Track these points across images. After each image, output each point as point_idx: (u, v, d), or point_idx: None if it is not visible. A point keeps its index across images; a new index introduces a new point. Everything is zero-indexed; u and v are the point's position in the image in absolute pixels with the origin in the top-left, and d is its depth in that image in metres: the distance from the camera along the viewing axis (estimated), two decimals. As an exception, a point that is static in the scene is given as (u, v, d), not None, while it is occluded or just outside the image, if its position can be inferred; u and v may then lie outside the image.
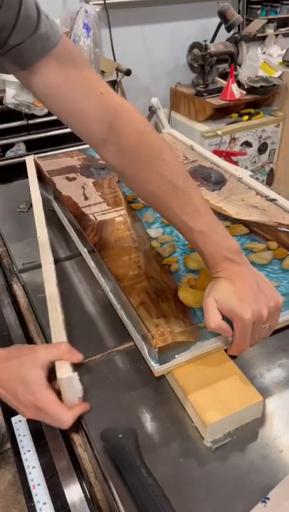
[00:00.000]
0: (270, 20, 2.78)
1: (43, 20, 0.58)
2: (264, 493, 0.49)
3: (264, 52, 2.84)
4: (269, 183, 2.80)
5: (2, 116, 1.90)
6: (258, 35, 2.67)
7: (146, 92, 2.66)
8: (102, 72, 2.14)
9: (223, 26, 2.43)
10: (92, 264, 0.85)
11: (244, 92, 2.46)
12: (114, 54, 2.25)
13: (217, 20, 2.43)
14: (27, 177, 1.07)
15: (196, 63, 2.48)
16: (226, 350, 0.64)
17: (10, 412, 0.62)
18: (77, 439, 0.59)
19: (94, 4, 2.11)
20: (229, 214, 0.87)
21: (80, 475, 0.54)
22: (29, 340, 0.75)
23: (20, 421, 0.61)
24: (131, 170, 0.65)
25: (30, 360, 0.58)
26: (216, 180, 1.01)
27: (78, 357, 0.61)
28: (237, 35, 2.52)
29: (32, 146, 2.02)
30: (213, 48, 2.41)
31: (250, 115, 2.52)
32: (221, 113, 2.46)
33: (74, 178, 1.03)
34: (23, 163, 1.11)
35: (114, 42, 2.23)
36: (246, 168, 2.56)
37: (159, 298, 0.67)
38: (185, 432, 0.57)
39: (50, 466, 0.55)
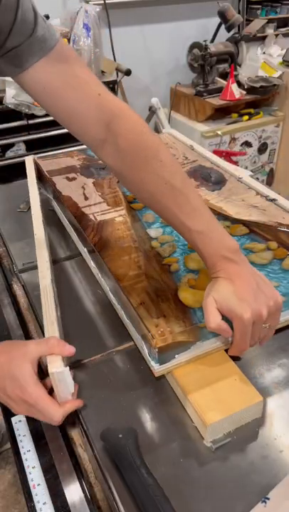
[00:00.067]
0: (270, 20, 2.78)
1: (40, 23, 0.58)
2: (264, 493, 0.49)
3: (264, 52, 2.84)
4: (269, 183, 2.80)
5: (2, 116, 1.90)
6: (258, 35, 2.67)
7: (146, 92, 2.66)
8: (102, 72, 2.14)
9: (223, 26, 2.43)
10: (92, 264, 0.85)
11: (244, 92, 2.46)
12: (114, 54, 2.25)
13: (217, 20, 2.43)
14: (27, 177, 1.07)
15: (196, 63, 2.48)
16: (226, 351, 0.64)
17: (10, 412, 0.62)
18: (77, 439, 0.59)
19: (94, 4, 2.11)
20: (229, 214, 0.87)
21: (80, 475, 0.54)
22: (29, 340, 0.74)
23: (20, 421, 0.61)
24: (128, 171, 0.65)
25: (20, 355, 0.57)
26: (216, 180, 1.01)
27: (69, 350, 0.59)
28: (237, 35, 2.52)
29: (32, 146, 2.02)
30: (213, 48, 2.41)
31: (250, 115, 2.52)
32: (221, 113, 2.46)
33: (74, 178, 1.03)
34: (23, 163, 1.12)
35: (114, 42, 2.23)
36: (246, 168, 2.56)
37: (159, 298, 0.67)
38: (185, 432, 0.57)
39: (50, 466, 0.55)
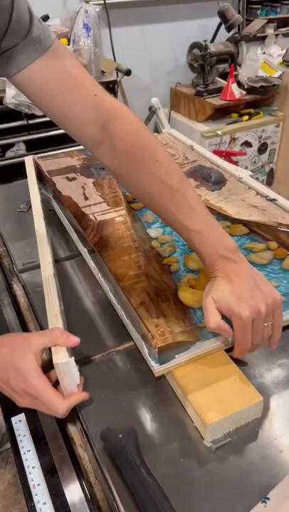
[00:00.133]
0: (270, 20, 2.78)
1: (35, 24, 0.59)
2: (264, 493, 0.49)
3: (264, 52, 2.84)
4: (269, 183, 2.80)
5: (2, 116, 1.90)
6: (258, 35, 2.67)
7: (146, 92, 2.66)
8: (102, 72, 2.14)
9: (223, 26, 2.43)
10: (92, 264, 0.85)
11: (244, 92, 2.46)
12: (114, 54, 2.25)
13: (217, 20, 2.43)
14: (27, 177, 1.07)
15: (196, 63, 2.48)
16: (227, 351, 0.64)
17: (10, 412, 0.62)
18: (77, 439, 0.59)
19: (94, 4, 2.11)
20: (229, 214, 0.87)
21: (80, 475, 0.54)
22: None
23: (20, 421, 0.61)
24: (125, 171, 0.65)
25: (23, 347, 0.57)
26: (216, 180, 1.01)
27: (74, 340, 0.59)
28: (237, 35, 2.52)
29: (32, 146, 2.02)
30: (213, 48, 2.41)
31: (250, 115, 2.52)
32: (221, 113, 2.46)
33: (74, 178, 1.03)
34: (23, 163, 1.12)
35: (114, 42, 2.23)
36: (246, 168, 2.56)
37: (159, 298, 0.67)
38: (185, 432, 0.57)
39: (50, 466, 0.55)
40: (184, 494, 0.50)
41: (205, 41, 2.40)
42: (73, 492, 0.53)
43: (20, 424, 0.61)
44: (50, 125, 1.96)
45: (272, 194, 0.94)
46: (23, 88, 0.62)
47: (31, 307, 0.81)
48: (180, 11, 2.60)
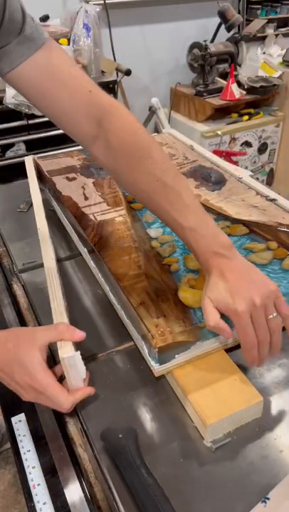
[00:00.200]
0: (270, 20, 2.78)
1: (28, 23, 0.59)
2: (264, 493, 0.49)
3: (264, 52, 2.84)
4: (269, 183, 2.80)
5: (2, 116, 1.90)
6: (258, 35, 2.66)
7: (146, 92, 2.66)
8: (102, 72, 2.14)
9: (223, 26, 2.43)
10: (92, 264, 0.85)
11: (244, 92, 2.46)
12: (114, 54, 2.25)
13: (217, 20, 2.43)
14: (27, 177, 1.07)
15: (196, 63, 2.48)
16: (227, 351, 0.64)
17: (10, 412, 0.62)
18: (77, 439, 0.59)
19: (94, 4, 2.11)
20: (229, 214, 0.87)
21: (80, 475, 0.54)
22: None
23: (20, 421, 0.61)
24: (121, 168, 0.65)
25: (28, 341, 0.57)
26: (216, 180, 1.01)
27: (80, 335, 0.59)
28: (237, 35, 2.52)
29: (32, 146, 2.02)
30: (213, 48, 2.41)
31: (250, 115, 2.52)
32: (221, 113, 2.46)
33: (74, 178, 1.03)
34: (23, 163, 1.12)
35: (114, 42, 2.23)
36: (246, 168, 2.56)
37: (159, 298, 0.67)
38: (185, 432, 0.57)
39: (50, 466, 0.55)
40: (184, 494, 0.50)
41: (205, 41, 2.40)
42: (73, 492, 0.53)
43: (20, 424, 0.61)
44: (50, 125, 1.96)
45: (272, 194, 0.94)
46: (17, 86, 0.63)
47: (31, 307, 0.81)
48: (180, 11, 2.60)
